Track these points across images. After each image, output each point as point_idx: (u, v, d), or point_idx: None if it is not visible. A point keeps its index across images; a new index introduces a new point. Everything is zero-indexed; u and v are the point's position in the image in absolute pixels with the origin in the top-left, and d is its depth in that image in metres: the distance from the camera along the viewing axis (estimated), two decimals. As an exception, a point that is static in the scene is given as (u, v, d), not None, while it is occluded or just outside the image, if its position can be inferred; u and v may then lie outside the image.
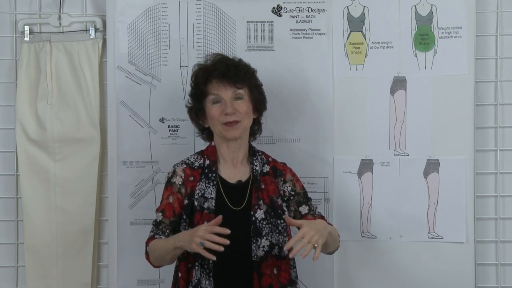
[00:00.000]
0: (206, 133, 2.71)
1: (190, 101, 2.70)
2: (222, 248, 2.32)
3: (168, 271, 2.71)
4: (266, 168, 2.66)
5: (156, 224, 2.60)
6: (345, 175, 3.06)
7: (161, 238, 2.57)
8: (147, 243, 2.59)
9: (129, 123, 3.06)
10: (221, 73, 2.58)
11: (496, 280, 3.13)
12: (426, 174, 3.04)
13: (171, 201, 2.59)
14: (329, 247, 2.58)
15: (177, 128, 3.06)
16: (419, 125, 3.04)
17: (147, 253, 2.59)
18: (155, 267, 2.63)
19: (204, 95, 2.60)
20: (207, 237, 2.33)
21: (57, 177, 3.07)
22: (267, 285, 2.52)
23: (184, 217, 2.57)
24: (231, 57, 2.69)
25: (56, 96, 3.06)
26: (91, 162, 3.06)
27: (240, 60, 2.67)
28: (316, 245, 2.34)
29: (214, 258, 2.34)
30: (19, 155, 3.07)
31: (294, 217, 2.62)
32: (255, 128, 2.72)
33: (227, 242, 2.32)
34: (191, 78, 2.68)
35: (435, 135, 3.04)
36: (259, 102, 2.67)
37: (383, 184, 3.05)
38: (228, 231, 2.33)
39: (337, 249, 2.68)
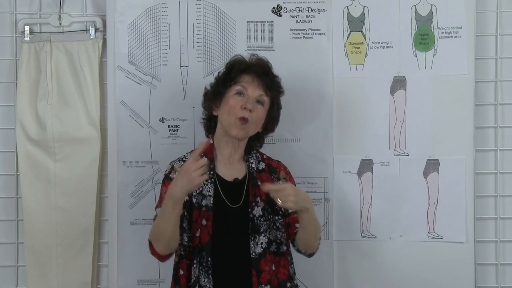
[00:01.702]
0: (210, 123, 2.70)
1: (211, 84, 2.69)
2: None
3: (168, 271, 2.70)
4: (262, 165, 2.66)
5: (155, 218, 2.57)
6: (345, 175, 3.06)
7: None
8: (148, 239, 2.56)
9: (129, 123, 3.06)
10: (261, 72, 2.60)
11: (496, 280, 3.13)
12: (426, 174, 3.05)
13: None
14: (310, 238, 2.59)
15: (177, 128, 3.06)
16: (419, 125, 3.04)
17: (150, 245, 2.55)
18: (162, 256, 2.55)
19: (233, 82, 2.60)
20: (201, 163, 2.35)
21: (57, 177, 3.07)
22: (266, 282, 2.52)
23: (185, 213, 2.55)
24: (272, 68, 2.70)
25: (56, 96, 3.06)
26: (91, 162, 3.06)
27: (278, 75, 2.69)
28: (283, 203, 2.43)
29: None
30: (19, 155, 3.08)
31: (283, 214, 2.63)
32: (256, 144, 2.71)
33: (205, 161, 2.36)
34: (226, 64, 2.67)
35: (435, 135, 3.04)
36: (272, 119, 2.67)
37: (383, 184, 3.05)
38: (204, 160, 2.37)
39: (316, 251, 2.67)
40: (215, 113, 2.66)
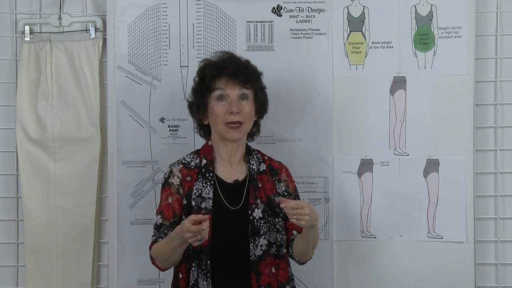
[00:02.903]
0: (205, 129, 2.70)
1: (192, 95, 2.68)
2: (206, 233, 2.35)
3: (168, 271, 2.70)
4: (263, 167, 2.65)
5: (157, 227, 2.58)
6: (345, 175, 3.06)
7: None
8: (150, 248, 2.58)
9: (129, 122, 3.06)
10: (232, 71, 2.57)
11: (496, 280, 3.13)
12: (426, 173, 3.05)
13: (170, 201, 2.59)
14: (308, 250, 2.60)
15: (177, 128, 3.06)
16: (419, 125, 3.04)
17: (152, 258, 2.58)
18: (163, 269, 2.60)
19: (210, 90, 2.58)
20: (193, 230, 2.33)
21: (57, 177, 3.07)
22: (266, 284, 2.52)
23: (184, 217, 2.55)
24: (238, 57, 2.67)
25: (56, 96, 3.07)
26: (91, 162, 3.06)
27: (248, 61, 2.67)
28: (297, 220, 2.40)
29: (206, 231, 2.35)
30: (19, 155, 3.08)
31: (283, 217, 2.61)
32: (254, 130, 2.71)
33: (206, 225, 2.34)
34: (197, 72, 2.66)
35: (435, 135, 3.04)
36: (262, 105, 2.66)
37: (383, 184, 3.05)
38: (206, 218, 2.35)
39: (309, 259, 2.67)
40: (205, 123, 2.65)
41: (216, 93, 2.58)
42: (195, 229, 2.33)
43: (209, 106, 2.59)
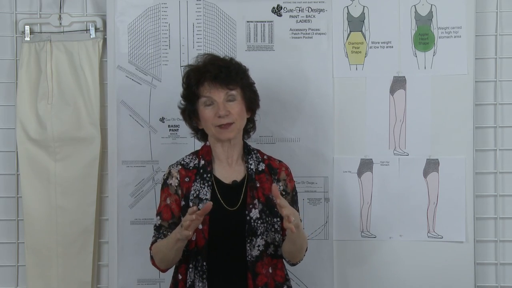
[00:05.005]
0: (200, 133, 2.69)
1: (182, 102, 2.67)
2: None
3: (168, 271, 2.70)
4: (262, 166, 2.64)
5: (157, 228, 2.59)
6: (345, 175, 3.06)
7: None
8: (150, 249, 2.58)
9: (129, 122, 3.07)
10: (213, 75, 2.55)
11: (496, 280, 3.13)
12: (425, 173, 3.05)
13: (169, 202, 2.58)
14: (295, 251, 2.57)
15: (177, 128, 3.07)
16: (419, 124, 3.05)
17: (152, 258, 2.58)
18: (163, 270, 2.60)
19: (197, 97, 2.58)
20: (191, 211, 2.34)
21: (58, 177, 3.07)
22: (263, 285, 2.51)
23: (182, 218, 2.55)
24: (222, 57, 2.67)
25: (57, 96, 3.07)
26: (91, 162, 3.07)
27: (232, 59, 2.65)
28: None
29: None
30: (20, 154, 3.08)
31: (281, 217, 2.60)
32: (249, 127, 2.70)
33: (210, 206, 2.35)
34: (183, 79, 2.65)
35: (434, 135, 3.04)
36: (252, 101, 2.64)
37: (383, 184, 3.05)
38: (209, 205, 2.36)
39: (300, 261, 2.64)
40: (200, 127, 2.65)
41: (203, 99, 2.57)
42: (191, 211, 2.34)
43: (198, 111, 2.59)
